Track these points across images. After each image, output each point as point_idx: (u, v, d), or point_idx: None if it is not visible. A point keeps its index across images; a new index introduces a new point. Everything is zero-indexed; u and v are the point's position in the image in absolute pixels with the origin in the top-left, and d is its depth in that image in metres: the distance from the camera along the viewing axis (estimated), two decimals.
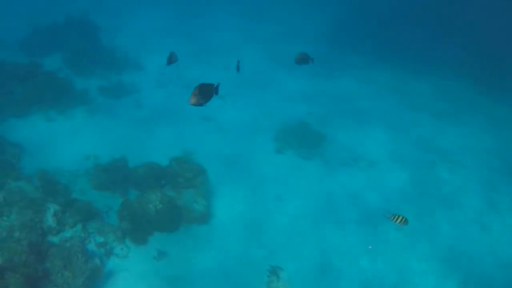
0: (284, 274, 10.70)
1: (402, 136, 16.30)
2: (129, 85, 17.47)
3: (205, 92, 6.66)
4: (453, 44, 23.15)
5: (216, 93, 6.72)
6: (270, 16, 26.62)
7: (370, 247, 11.47)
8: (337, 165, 14.35)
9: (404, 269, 11.34)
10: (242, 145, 14.65)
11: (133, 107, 16.29)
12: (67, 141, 14.08)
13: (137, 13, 25.34)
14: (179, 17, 25.36)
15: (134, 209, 11.04)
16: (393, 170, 14.40)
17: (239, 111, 16.59)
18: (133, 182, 12.06)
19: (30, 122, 14.86)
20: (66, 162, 13.08)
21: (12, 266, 8.76)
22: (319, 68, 20.07)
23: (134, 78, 18.06)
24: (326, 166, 14.26)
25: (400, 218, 9.07)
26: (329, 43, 23.40)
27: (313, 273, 11.00)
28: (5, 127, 14.48)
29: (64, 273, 9.23)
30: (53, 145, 13.82)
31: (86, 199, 11.59)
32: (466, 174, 14.72)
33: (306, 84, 19.14)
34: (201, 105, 6.70)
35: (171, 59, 10.24)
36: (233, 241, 11.42)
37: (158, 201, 11.08)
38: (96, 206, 11.48)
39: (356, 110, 17.68)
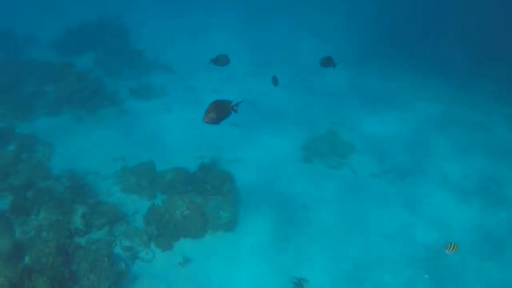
0: (309, 286, 10.45)
1: None
2: (159, 87, 17.51)
3: (221, 110, 6.29)
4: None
5: (236, 111, 6.34)
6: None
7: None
8: (366, 176, 14.06)
9: None
10: (270, 153, 14.46)
11: (162, 110, 16.29)
12: (96, 142, 14.15)
13: (168, 16, 25.41)
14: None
15: (160, 214, 11.01)
16: (423, 184, 14.03)
17: (267, 118, 16.41)
18: (160, 187, 12.03)
19: (60, 122, 15.03)
20: (94, 163, 13.15)
21: (39, 267, 8.78)
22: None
23: (164, 80, 18.08)
24: (354, 177, 13.98)
25: (453, 245, 8.98)
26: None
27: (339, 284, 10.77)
28: (36, 125, 14.66)
29: (90, 276, 9.23)
30: (82, 146, 13.91)
31: (113, 202, 11.62)
32: None
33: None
34: (216, 123, 6.28)
35: (221, 61, 10.14)
36: (259, 250, 11.24)
37: (185, 207, 11.03)
38: (122, 209, 11.47)
39: None
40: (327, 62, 10.63)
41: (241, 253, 11.13)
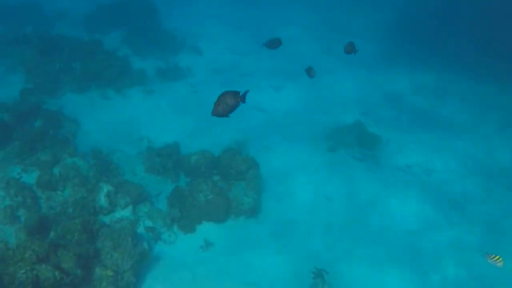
0: (329, 277, 10.39)
1: (456, 143, 15.59)
2: (186, 69, 17.44)
3: (229, 102, 6.09)
4: None
5: (243, 101, 6.10)
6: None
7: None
8: (390, 169, 13.89)
9: None
10: (295, 141, 14.35)
11: (189, 92, 16.26)
12: (121, 120, 14.19)
13: None
14: (241, 5, 24.78)
15: (184, 197, 11.03)
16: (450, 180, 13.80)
17: (294, 105, 16.26)
18: (184, 169, 12.04)
19: (87, 99, 15.09)
20: (119, 142, 13.21)
21: (65, 243, 8.85)
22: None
23: (191, 62, 17.99)
24: (378, 169, 13.82)
25: (497, 257, 8.85)
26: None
27: (359, 276, 10.71)
28: (63, 101, 14.74)
29: (114, 254, 9.28)
30: (108, 124, 13.99)
31: (137, 182, 11.64)
32: None
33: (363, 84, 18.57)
34: (225, 116, 6.11)
35: (273, 44, 10.00)
36: (280, 239, 11.21)
37: (209, 191, 11.03)
38: (146, 190, 11.50)
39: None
40: (351, 48, 10.43)
41: (262, 240, 11.12)
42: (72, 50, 16.50)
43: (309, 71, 10.42)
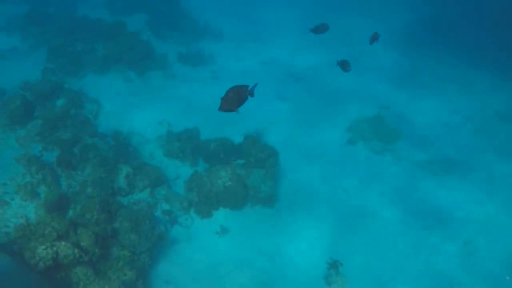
0: (343, 269, 10.36)
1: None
2: (207, 55, 17.40)
3: (238, 96, 5.89)
4: None
5: (252, 95, 5.93)
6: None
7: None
8: (408, 165, 13.75)
9: None
10: (315, 131, 14.28)
11: (209, 78, 16.23)
12: (142, 103, 14.22)
13: None
14: None
15: (203, 182, 11.05)
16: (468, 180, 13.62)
17: (314, 94, 16.15)
18: (203, 155, 12.04)
19: (108, 80, 15.13)
20: (139, 125, 13.26)
21: (84, 222, 8.92)
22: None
23: (213, 48, 17.94)
24: (398, 163, 13.69)
25: None
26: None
27: (373, 270, 10.65)
28: (85, 82, 14.80)
29: (131, 235, 9.35)
30: (128, 106, 14.02)
31: (156, 165, 11.67)
32: None
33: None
34: (233, 110, 5.92)
35: (320, 29, 9.83)
36: (295, 229, 11.19)
37: (228, 178, 11.03)
38: (164, 173, 11.54)
39: None
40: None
41: (277, 229, 11.11)
42: (94, 31, 16.54)
43: (344, 65, 9.87)
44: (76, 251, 7.95)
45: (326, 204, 11.96)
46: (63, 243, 7.95)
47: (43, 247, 7.73)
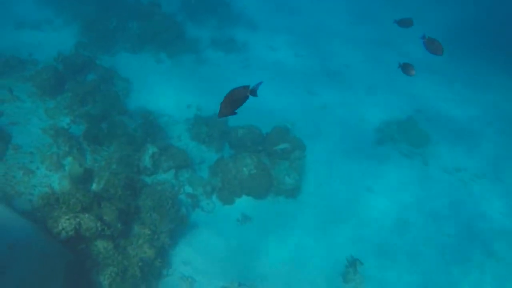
0: (362, 269, 10.17)
1: None
2: (241, 42, 17.25)
3: (234, 100, 5.61)
4: None
5: (255, 94, 5.60)
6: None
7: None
8: (436, 170, 13.46)
9: None
10: (345, 127, 14.06)
11: (241, 66, 16.09)
12: (172, 85, 14.14)
13: None
14: None
15: (228, 169, 10.95)
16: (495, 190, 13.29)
17: (347, 95, 15.91)
18: (230, 141, 11.94)
19: (140, 60, 15.10)
20: (168, 106, 13.20)
21: (108, 197, 8.89)
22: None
23: (247, 36, 17.78)
24: (425, 168, 13.41)
25: None
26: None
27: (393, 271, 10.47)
28: (116, 59, 14.78)
29: (153, 214, 9.29)
30: (158, 87, 13.95)
31: (182, 148, 11.59)
32: None
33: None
34: (232, 114, 5.66)
35: (405, 23, 9.46)
36: (316, 223, 11.04)
37: (253, 166, 10.91)
38: (190, 157, 11.45)
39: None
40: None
41: (298, 222, 10.97)
42: (129, 9, 16.48)
43: (407, 68, 9.01)
44: (98, 224, 7.91)
45: (347, 201, 11.76)
46: (86, 215, 7.92)
47: (67, 217, 7.71)
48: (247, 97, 5.59)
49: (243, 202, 10.96)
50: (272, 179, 11.15)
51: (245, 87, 5.58)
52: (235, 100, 5.57)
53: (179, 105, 13.25)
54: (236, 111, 5.62)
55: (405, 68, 8.93)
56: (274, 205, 11.16)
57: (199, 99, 13.52)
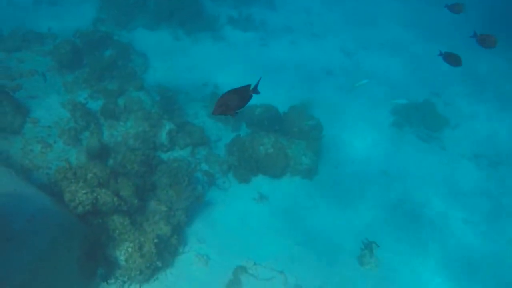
0: (378, 251, 10.10)
1: None
2: (258, 21, 17.04)
3: (238, 100, 5.34)
4: None
5: (256, 92, 5.35)
6: None
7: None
8: (454, 155, 13.25)
9: None
10: (361, 109, 13.89)
11: (258, 45, 15.92)
12: (189, 63, 14.07)
13: None
14: None
15: (244, 147, 10.87)
16: None
17: (364, 74, 15.64)
18: (247, 120, 11.84)
19: (157, 36, 15.01)
20: (184, 83, 13.13)
21: (125, 172, 8.89)
22: None
23: (264, 15, 17.54)
24: (442, 153, 13.21)
25: None
26: None
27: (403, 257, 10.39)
28: (134, 35, 14.70)
29: (169, 191, 9.26)
30: (175, 64, 13.88)
31: (199, 125, 11.53)
32: None
33: None
34: (231, 115, 5.35)
35: (455, 9, 9.18)
36: (333, 203, 10.96)
37: (270, 145, 10.83)
38: (206, 134, 11.40)
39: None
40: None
41: (315, 202, 10.91)
42: None
43: (451, 58, 8.48)
44: (115, 199, 7.91)
45: (364, 183, 11.64)
46: (103, 190, 7.93)
47: (84, 191, 7.71)
48: (250, 97, 5.38)
49: (259, 181, 10.91)
50: (288, 158, 11.04)
51: (247, 87, 5.35)
52: (236, 102, 5.32)
53: (196, 82, 13.17)
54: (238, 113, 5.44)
55: (449, 58, 8.50)
56: (290, 185, 11.09)
57: (216, 77, 13.41)
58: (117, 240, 8.07)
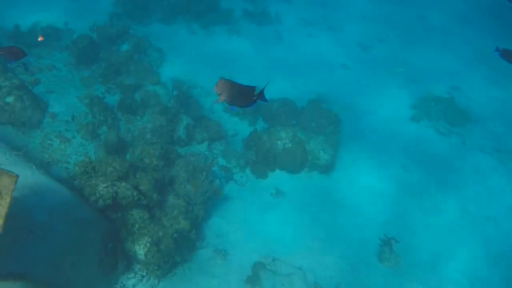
0: (398, 247, 10.00)
1: None
2: (274, 14, 16.89)
3: (239, 96, 4.98)
4: None
5: (263, 99, 4.94)
6: None
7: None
8: (474, 150, 13.07)
9: None
10: (379, 103, 13.74)
11: (274, 38, 15.81)
12: (204, 57, 14.01)
13: None
14: None
15: (262, 142, 10.82)
16: None
17: (381, 67, 15.49)
18: (264, 114, 11.79)
19: (173, 31, 14.97)
20: (200, 77, 13.09)
21: (143, 166, 8.86)
22: None
23: (280, 9, 17.37)
24: (463, 148, 13.03)
25: None
26: None
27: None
28: (150, 30, 14.66)
29: (187, 186, 9.24)
30: (191, 58, 13.83)
31: (215, 119, 11.48)
32: None
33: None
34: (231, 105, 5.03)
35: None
36: (348, 199, 10.87)
37: (288, 140, 10.75)
38: (223, 129, 11.34)
39: None
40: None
41: (332, 198, 10.83)
42: None
43: (509, 54, 7.95)
44: (135, 193, 7.90)
45: (383, 180, 11.55)
46: (123, 183, 7.92)
47: (104, 185, 7.71)
48: (254, 102, 4.95)
49: (277, 176, 10.85)
50: (306, 153, 10.96)
51: (251, 90, 4.93)
52: (238, 97, 4.99)
53: (212, 76, 13.07)
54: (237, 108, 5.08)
55: (506, 55, 8.05)
56: (308, 180, 11.03)
57: (232, 71, 13.34)
58: (136, 235, 8.06)
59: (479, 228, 10.98)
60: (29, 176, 7.19)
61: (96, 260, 7.44)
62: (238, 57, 14.29)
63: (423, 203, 11.28)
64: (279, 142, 10.73)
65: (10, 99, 9.35)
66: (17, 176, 5.29)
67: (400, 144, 12.70)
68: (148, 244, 8.06)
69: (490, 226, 11.10)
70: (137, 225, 8.05)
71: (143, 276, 8.12)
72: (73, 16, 13.93)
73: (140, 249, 8.06)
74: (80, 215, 7.34)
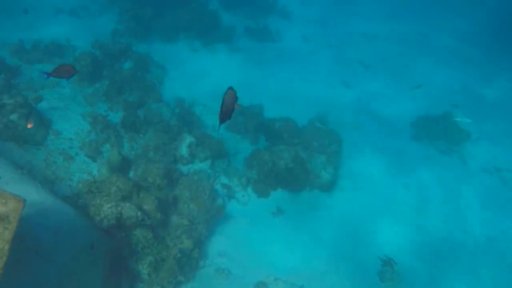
0: (399, 267, 10.01)
1: None
2: (275, 32, 17.08)
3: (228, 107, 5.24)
4: None
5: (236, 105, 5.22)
6: None
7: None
8: (475, 169, 13.14)
9: None
10: (381, 122, 13.83)
11: (275, 56, 15.94)
12: (206, 74, 14.10)
13: None
14: None
15: (264, 161, 10.84)
16: None
17: (381, 87, 15.61)
18: (266, 133, 11.84)
19: (175, 48, 15.11)
20: (202, 95, 13.14)
21: (147, 186, 8.88)
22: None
23: (280, 26, 17.59)
24: (463, 167, 13.12)
25: None
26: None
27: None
28: (152, 47, 14.77)
29: (190, 205, 9.28)
30: (193, 75, 13.94)
31: (217, 138, 11.52)
32: None
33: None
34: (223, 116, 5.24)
35: None
36: (350, 218, 10.91)
37: (291, 160, 10.77)
38: (225, 147, 11.38)
39: None
40: None
41: (333, 217, 10.85)
42: None
43: None
44: (139, 213, 7.92)
45: (383, 199, 11.58)
46: (127, 204, 7.94)
47: (109, 205, 7.73)
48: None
49: (278, 195, 10.89)
50: (308, 173, 11.01)
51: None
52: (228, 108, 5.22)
53: (214, 94, 13.11)
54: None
55: None
56: (310, 199, 11.06)
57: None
58: (140, 254, 8.06)
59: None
60: (35, 195, 7.19)
61: (100, 279, 7.42)
62: (239, 75, 14.36)
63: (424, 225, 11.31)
64: (281, 162, 10.76)
65: (14, 116, 9.38)
66: (25, 200, 5.31)
67: (404, 165, 12.72)
68: (152, 264, 8.06)
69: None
70: (140, 245, 8.05)
71: None
72: (76, 33, 14.02)
73: (144, 269, 8.06)
74: (84, 234, 7.34)
